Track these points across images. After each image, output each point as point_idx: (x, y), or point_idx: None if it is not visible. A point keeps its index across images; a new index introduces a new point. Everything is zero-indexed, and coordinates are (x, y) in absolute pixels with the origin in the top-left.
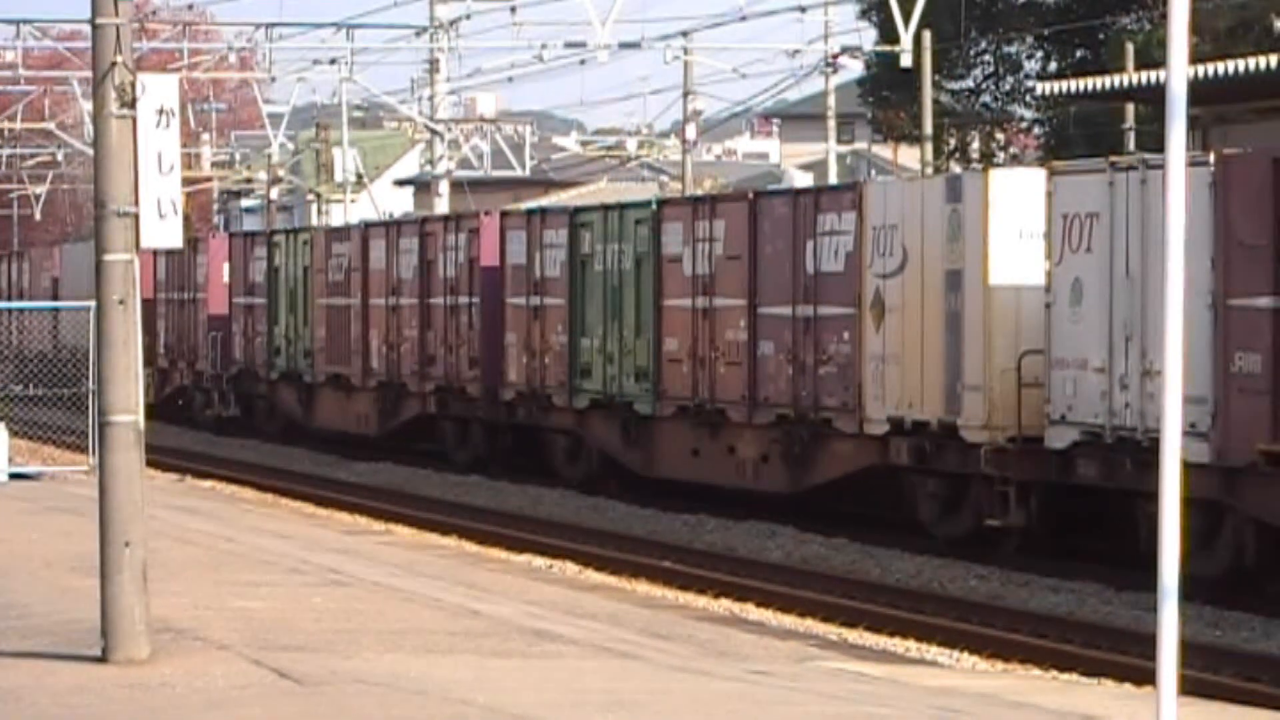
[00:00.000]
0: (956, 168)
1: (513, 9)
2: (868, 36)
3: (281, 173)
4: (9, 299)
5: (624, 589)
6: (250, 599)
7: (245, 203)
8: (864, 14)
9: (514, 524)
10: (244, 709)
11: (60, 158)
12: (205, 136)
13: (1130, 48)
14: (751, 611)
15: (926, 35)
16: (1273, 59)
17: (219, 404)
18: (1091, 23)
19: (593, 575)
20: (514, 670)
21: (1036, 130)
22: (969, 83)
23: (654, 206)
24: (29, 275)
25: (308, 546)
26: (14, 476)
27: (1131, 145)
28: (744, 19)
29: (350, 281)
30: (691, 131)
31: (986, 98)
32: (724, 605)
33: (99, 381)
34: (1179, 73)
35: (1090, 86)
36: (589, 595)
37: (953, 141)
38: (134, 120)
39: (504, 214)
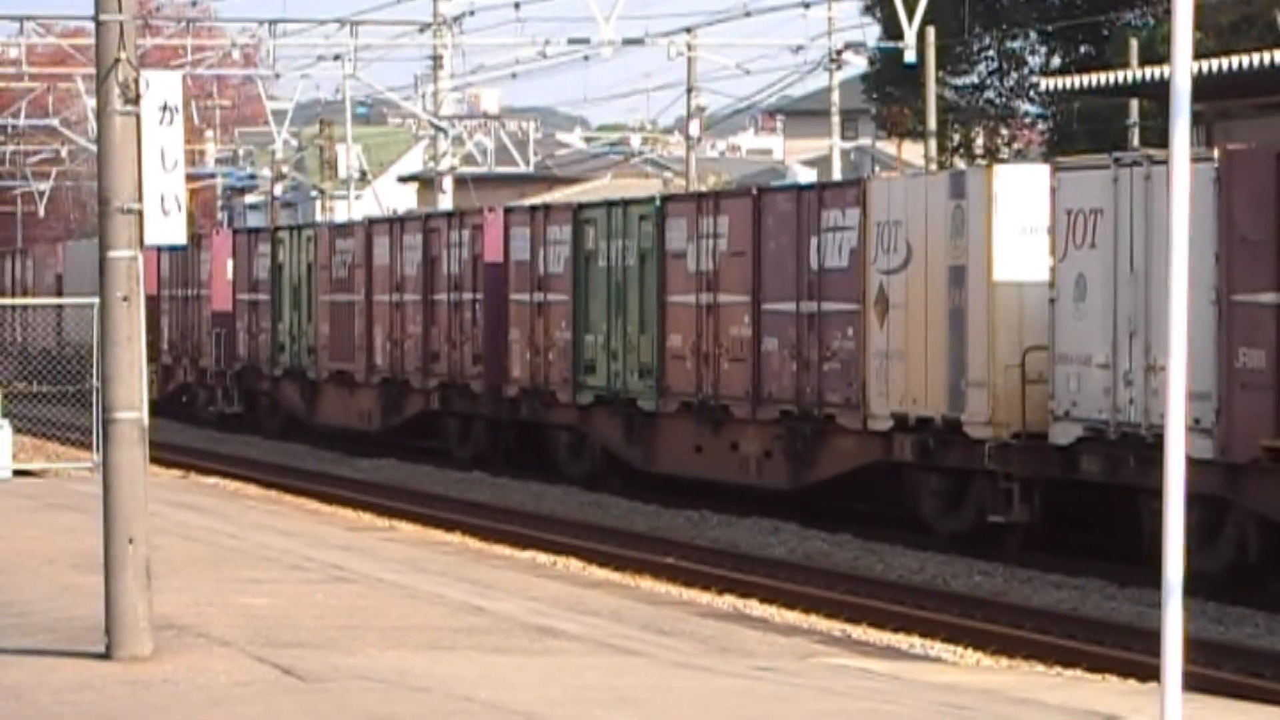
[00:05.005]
0: (960, 163)
1: (516, 5)
2: (871, 32)
3: (285, 169)
4: (13, 296)
5: (627, 585)
6: (253, 596)
7: (249, 199)
8: (868, 10)
9: (517, 520)
10: (247, 706)
11: (64, 154)
12: (209, 133)
13: (1134, 43)
14: (755, 608)
15: (930, 31)
16: (1276, 55)
17: (222, 401)
18: (1095, 18)
19: (596, 571)
20: (517, 667)
21: (1040, 126)
22: (973, 78)
23: (658, 203)
24: (33, 272)
25: (311, 543)
26: (18, 473)
27: (1135, 141)
28: (748, 15)
29: (354, 278)
30: (695, 127)
31: (990, 93)
32: (727, 601)
33: (103, 378)
34: (1183, 68)
35: (1094, 82)
36: (592, 591)
37: (956, 137)
38: (138, 117)
39: (508, 210)
